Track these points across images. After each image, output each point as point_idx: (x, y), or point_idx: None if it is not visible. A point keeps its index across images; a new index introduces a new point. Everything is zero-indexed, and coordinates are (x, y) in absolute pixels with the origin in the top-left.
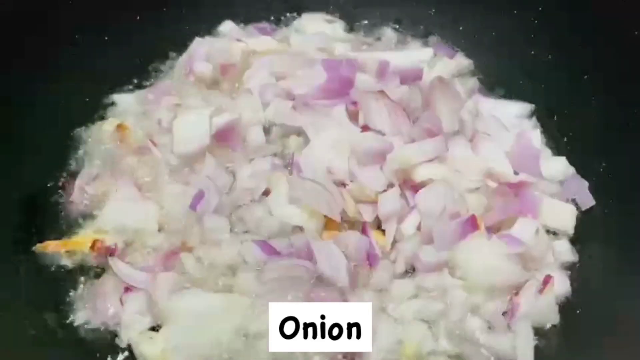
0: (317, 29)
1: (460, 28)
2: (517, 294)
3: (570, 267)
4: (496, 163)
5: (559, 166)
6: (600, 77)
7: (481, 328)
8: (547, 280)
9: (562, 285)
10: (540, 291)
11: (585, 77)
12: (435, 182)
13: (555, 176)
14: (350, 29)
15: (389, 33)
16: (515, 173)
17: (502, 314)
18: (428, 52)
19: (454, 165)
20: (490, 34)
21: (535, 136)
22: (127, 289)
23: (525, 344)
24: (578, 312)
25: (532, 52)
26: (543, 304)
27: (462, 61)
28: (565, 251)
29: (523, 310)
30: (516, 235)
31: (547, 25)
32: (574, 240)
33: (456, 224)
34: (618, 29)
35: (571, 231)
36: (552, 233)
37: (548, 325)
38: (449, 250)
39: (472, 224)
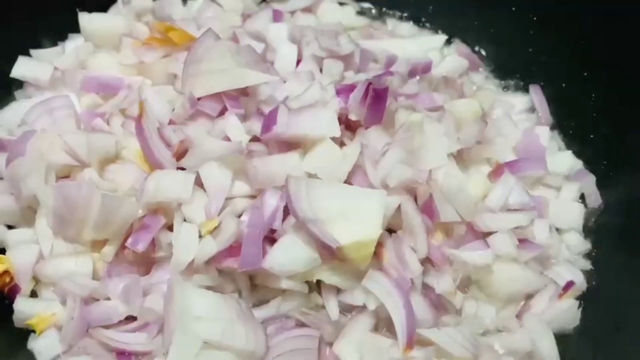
0: (330, 12)
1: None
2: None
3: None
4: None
5: (565, 161)
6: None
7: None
8: (568, 286)
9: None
10: (560, 296)
11: (585, 73)
12: None
13: (561, 171)
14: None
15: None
16: None
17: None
18: (440, 39)
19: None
20: (489, 31)
21: (543, 133)
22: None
23: (542, 337)
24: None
25: (530, 50)
26: (562, 308)
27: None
28: (577, 243)
29: (537, 309)
30: (532, 239)
31: (546, 21)
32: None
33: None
34: (620, 22)
35: (579, 228)
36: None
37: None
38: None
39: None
